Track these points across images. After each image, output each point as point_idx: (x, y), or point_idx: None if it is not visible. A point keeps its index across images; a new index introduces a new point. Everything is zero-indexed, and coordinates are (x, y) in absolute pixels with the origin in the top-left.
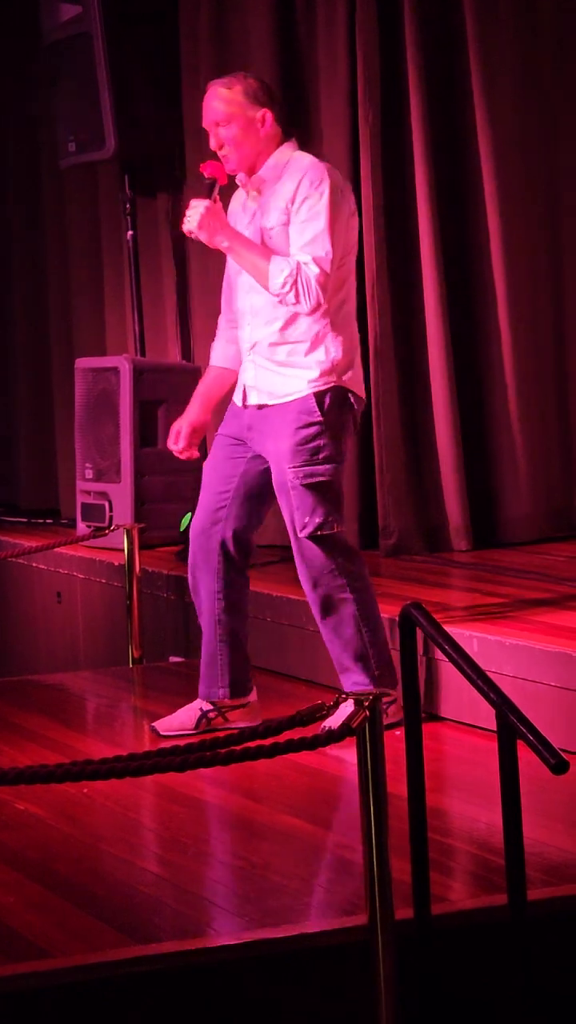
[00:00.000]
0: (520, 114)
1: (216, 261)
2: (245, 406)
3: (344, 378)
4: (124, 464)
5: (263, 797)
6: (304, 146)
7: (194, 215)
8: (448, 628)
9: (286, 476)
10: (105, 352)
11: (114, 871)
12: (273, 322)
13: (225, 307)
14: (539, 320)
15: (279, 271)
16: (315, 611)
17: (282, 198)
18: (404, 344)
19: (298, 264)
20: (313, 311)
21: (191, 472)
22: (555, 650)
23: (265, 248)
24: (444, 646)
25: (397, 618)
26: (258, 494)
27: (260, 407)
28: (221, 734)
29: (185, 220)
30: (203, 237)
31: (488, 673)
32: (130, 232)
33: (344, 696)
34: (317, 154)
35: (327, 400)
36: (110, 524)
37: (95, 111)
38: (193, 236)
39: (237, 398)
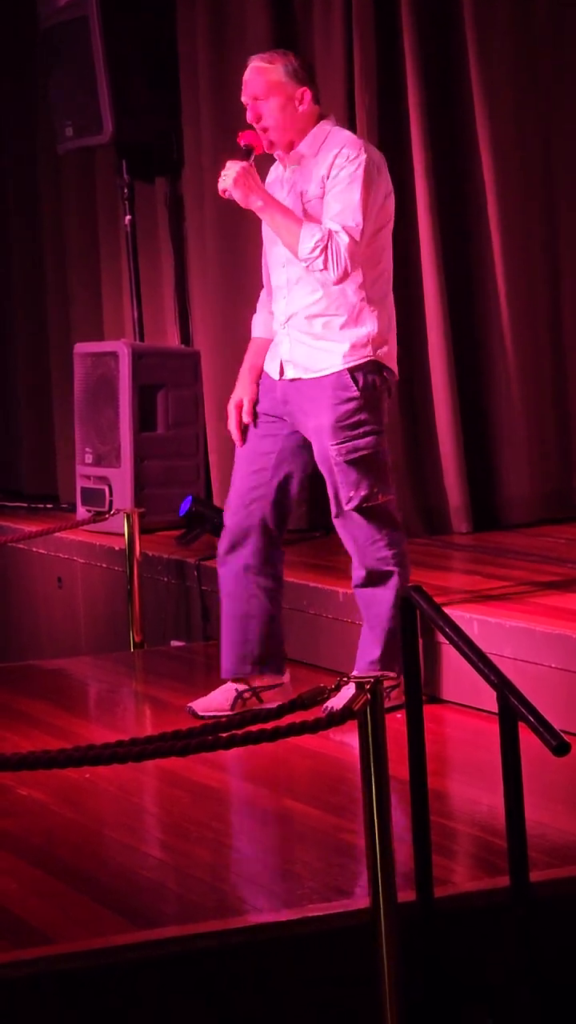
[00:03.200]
0: (519, 106)
1: (214, 244)
2: (280, 379)
3: (379, 352)
4: (124, 449)
5: (265, 781)
6: None
7: (229, 174)
8: (448, 611)
9: (329, 453)
10: (103, 337)
11: (116, 856)
12: (310, 294)
13: (266, 280)
14: (537, 303)
15: (310, 236)
16: (356, 581)
17: (320, 170)
18: (404, 326)
19: (329, 231)
20: (340, 280)
21: (190, 457)
22: (556, 632)
23: (297, 215)
24: (445, 629)
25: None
26: (298, 470)
27: (293, 380)
28: (223, 718)
29: (220, 179)
30: (237, 196)
31: (489, 655)
32: (128, 217)
33: (345, 679)
34: None
35: (361, 374)
36: (110, 508)
37: (92, 96)
38: (227, 195)
39: (272, 370)
